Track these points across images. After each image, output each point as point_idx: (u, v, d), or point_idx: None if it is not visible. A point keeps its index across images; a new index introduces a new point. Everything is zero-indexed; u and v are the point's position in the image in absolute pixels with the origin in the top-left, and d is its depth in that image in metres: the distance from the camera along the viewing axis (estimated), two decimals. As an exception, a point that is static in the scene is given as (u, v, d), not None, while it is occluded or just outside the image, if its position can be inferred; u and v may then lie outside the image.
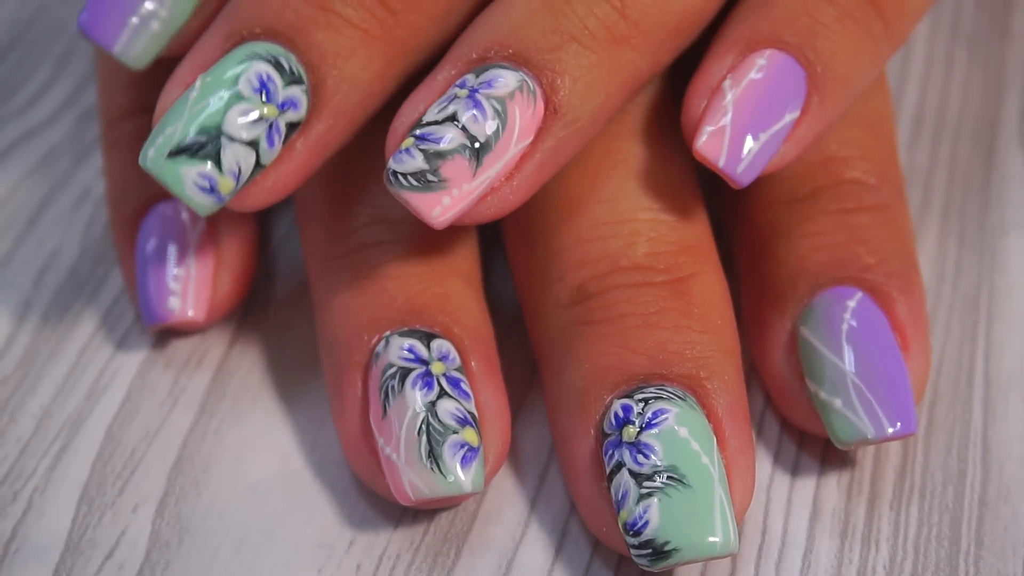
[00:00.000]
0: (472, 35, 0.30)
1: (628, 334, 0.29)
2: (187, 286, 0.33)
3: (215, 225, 0.34)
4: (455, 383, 0.29)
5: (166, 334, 0.34)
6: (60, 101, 0.41)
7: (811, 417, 0.31)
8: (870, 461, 0.31)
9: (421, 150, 0.28)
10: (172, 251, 0.33)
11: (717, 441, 0.28)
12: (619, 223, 0.31)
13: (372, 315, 0.30)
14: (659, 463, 0.28)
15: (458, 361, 0.30)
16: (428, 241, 0.31)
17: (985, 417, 0.32)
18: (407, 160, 0.28)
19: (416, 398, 0.29)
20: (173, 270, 0.33)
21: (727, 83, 0.30)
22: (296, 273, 0.35)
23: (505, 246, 0.33)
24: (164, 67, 0.31)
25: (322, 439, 0.32)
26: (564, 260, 0.31)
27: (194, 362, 0.33)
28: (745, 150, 0.30)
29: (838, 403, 0.30)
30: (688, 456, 0.28)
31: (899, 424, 0.29)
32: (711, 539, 0.27)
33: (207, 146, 0.28)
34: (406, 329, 0.30)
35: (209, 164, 0.28)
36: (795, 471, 0.31)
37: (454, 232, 0.31)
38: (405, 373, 0.29)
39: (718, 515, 0.27)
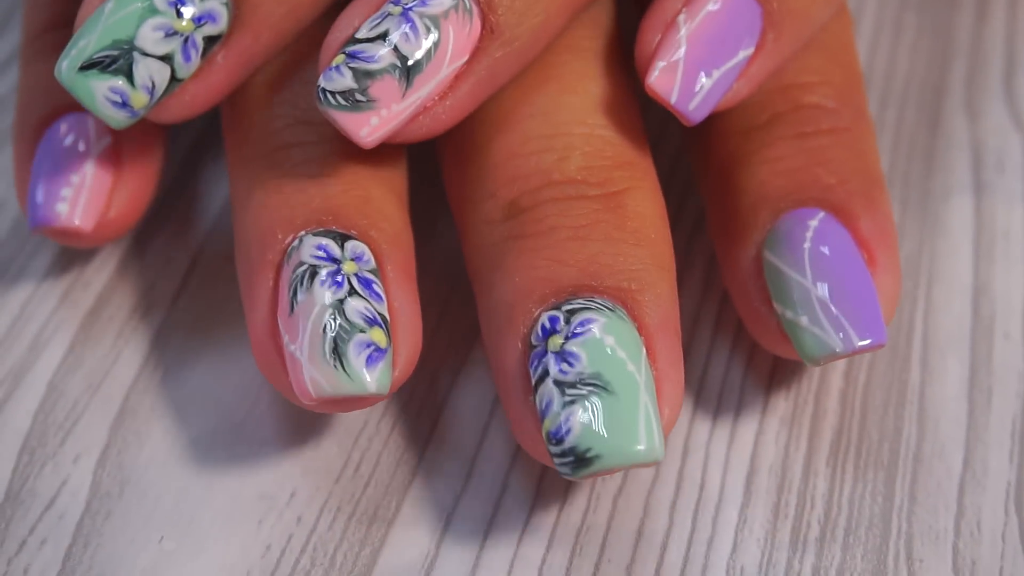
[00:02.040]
0: None
1: (559, 246, 0.29)
2: (79, 195, 0.32)
3: (120, 143, 0.33)
4: (367, 283, 0.28)
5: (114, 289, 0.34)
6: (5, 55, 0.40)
7: (782, 341, 0.30)
8: (808, 418, 0.32)
9: (351, 68, 0.28)
10: (70, 160, 0.32)
11: (647, 353, 0.28)
12: (553, 136, 0.30)
13: (288, 214, 0.29)
14: (583, 370, 0.27)
15: (372, 263, 0.29)
16: (352, 145, 0.30)
17: (923, 376, 0.33)
18: (336, 78, 0.28)
19: (324, 295, 0.28)
20: (68, 177, 0.32)
21: (681, 17, 0.30)
22: (242, 228, 0.35)
23: (439, 161, 0.33)
24: None
25: (264, 394, 0.32)
26: (496, 175, 0.30)
27: (138, 315, 0.33)
28: (697, 87, 0.30)
29: (804, 320, 0.29)
30: (613, 363, 0.27)
31: (868, 336, 0.29)
32: (636, 446, 0.26)
33: (119, 60, 0.28)
34: (321, 230, 0.29)
35: (121, 79, 0.28)
36: (734, 427, 0.31)
37: None
38: (314, 271, 0.28)
39: (642, 422, 0.27)
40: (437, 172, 0.33)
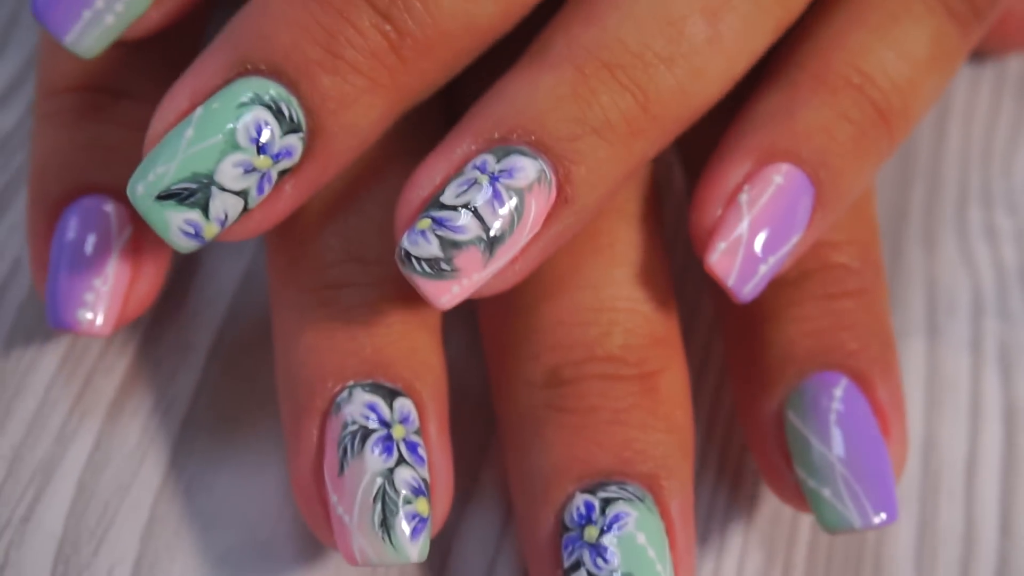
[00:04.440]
0: (495, 110, 0.30)
1: (598, 428, 0.31)
2: (100, 299, 0.33)
3: (139, 233, 0.34)
4: (413, 448, 0.30)
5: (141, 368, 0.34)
6: (6, 82, 0.39)
7: (798, 498, 0.33)
8: (779, 571, 0.35)
9: (438, 236, 0.29)
10: (92, 260, 0.33)
11: (668, 539, 0.31)
12: (599, 311, 0.32)
13: (338, 362, 0.31)
14: (616, 568, 0.30)
15: (416, 423, 0.31)
16: (399, 287, 0.32)
17: (878, 534, 0.36)
18: (423, 244, 0.29)
19: (375, 463, 0.30)
20: (90, 281, 0.33)
21: (744, 197, 0.32)
22: (261, 318, 0.36)
23: (478, 309, 0.34)
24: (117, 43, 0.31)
25: (287, 511, 0.33)
26: (542, 339, 0.32)
27: (161, 409, 0.34)
28: (754, 272, 0.32)
29: (827, 493, 0.32)
30: (644, 564, 0.30)
31: (884, 515, 0.31)
32: None
33: (197, 194, 0.28)
34: (370, 383, 0.31)
35: (197, 212, 0.28)
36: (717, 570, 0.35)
37: None
38: (366, 434, 0.30)
39: None
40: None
